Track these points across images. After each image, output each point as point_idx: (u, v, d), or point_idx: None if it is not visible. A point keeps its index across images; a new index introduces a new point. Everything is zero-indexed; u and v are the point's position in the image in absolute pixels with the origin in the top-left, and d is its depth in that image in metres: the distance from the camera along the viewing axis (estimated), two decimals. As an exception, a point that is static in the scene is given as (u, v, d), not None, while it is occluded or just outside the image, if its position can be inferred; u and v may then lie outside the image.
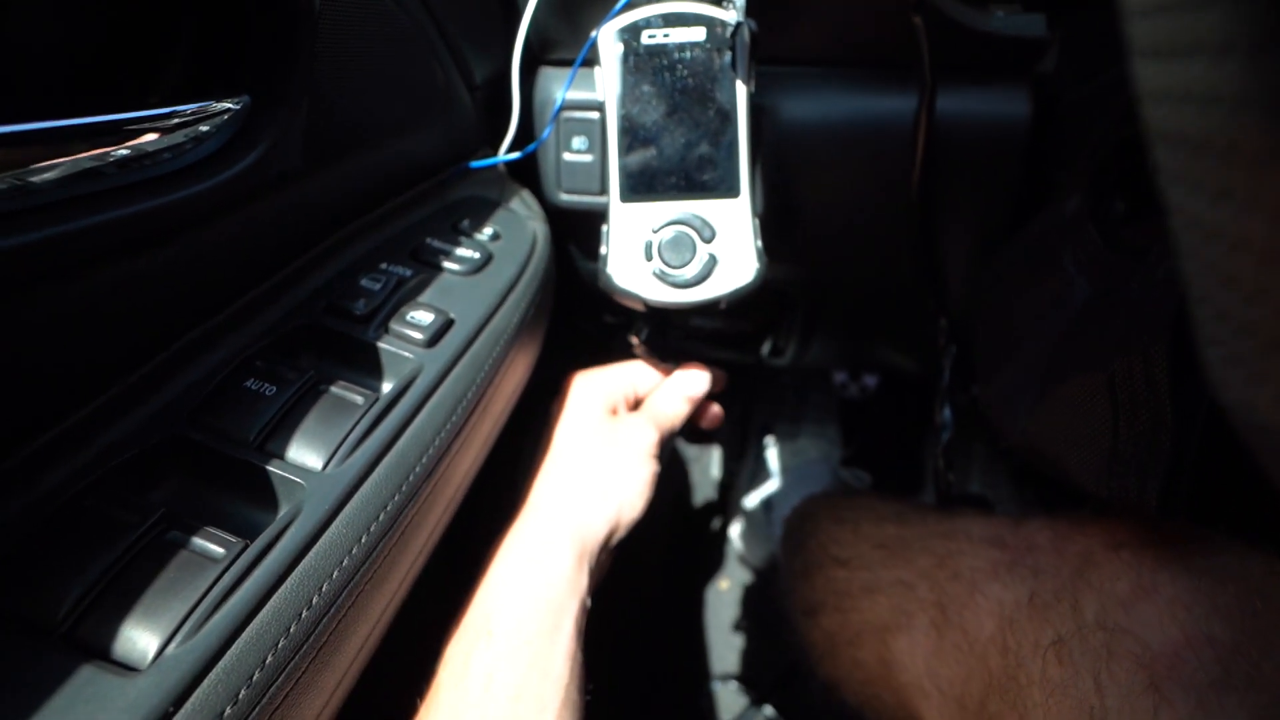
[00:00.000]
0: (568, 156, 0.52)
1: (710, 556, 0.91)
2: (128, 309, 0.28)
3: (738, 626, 0.86)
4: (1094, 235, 0.39)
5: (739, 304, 0.44)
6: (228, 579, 0.25)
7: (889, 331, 0.69)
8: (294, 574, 0.26)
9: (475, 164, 0.49)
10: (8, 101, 0.26)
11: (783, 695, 0.80)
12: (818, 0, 0.45)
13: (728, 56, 0.42)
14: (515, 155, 0.49)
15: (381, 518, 0.30)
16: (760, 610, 0.87)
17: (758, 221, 0.44)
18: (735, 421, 0.95)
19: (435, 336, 0.36)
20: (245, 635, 0.24)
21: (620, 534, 0.44)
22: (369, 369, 0.34)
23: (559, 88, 0.51)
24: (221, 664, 0.23)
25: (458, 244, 0.42)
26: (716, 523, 0.94)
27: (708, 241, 0.43)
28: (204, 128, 0.29)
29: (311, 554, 0.27)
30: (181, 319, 0.31)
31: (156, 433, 0.29)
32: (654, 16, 0.43)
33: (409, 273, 0.39)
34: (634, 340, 0.52)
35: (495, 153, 0.50)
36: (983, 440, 0.79)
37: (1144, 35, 0.14)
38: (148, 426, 0.29)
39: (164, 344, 0.31)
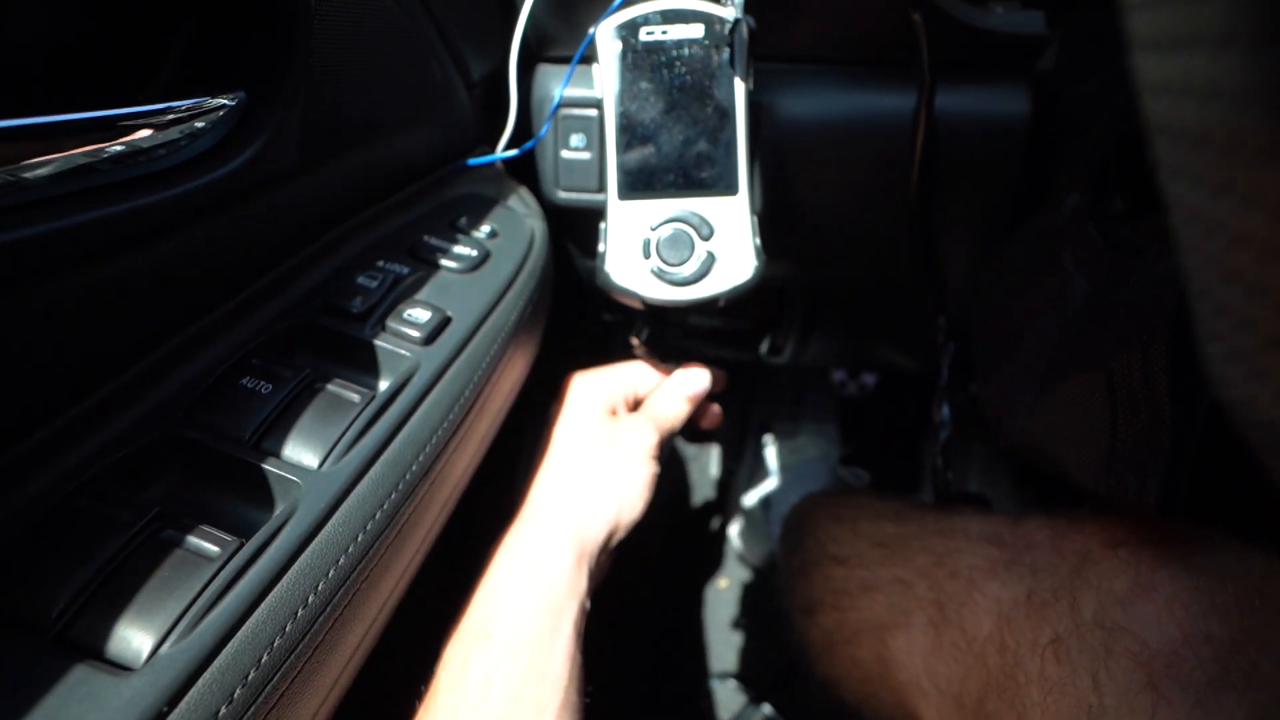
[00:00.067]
0: (565, 154, 0.52)
1: (709, 555, 0.92)
2: (122, 306, 0.28)
3: (736, 625, 0.86)
4: (1093, 233, 0.38)
5: (737, 302, 0.44)
6: (223, 578, 0.25)
7: (888, 330, 0.69)
8: (289, 573, 0.26)
9: (473, 161, 0.48)
10: (0, 96, 0.26)
11: (781, 693, 0.80)
12: (816, -3, 0.45)
13: (726, 53, 0.42)
14: (513, 153, 0.49)
15: (378, 516, 0.30)
16: (759, 609, 0.87)
17: (756, 219, 0.44)
18: (734, 420, 0.95)
19: (432, 334, 0.36)
20: (240, 634, 0.24)
21: (620, 535, 0.44)
22: (365, 367, 0.34)
23: (557, 85, 0.51)
24: (216, 663, 0.23)
25: (455, 242, 0.42)
26: (715, 521, 0.94)
27: (706, 239, 0.43)
28: (199, 124, 0.29)
29: (307, 553, 0.27)
30: (176, 316, 0.31)
31: (151, 431, 0.28)
32: (652, 13, 0.42)
33: (406, 270, 0.39)
34: (634, 340, 0.52)
35: (493, 150, 0.50)
36: (981, 439, 0.78)
37: (1144, 28, 0.14)
38: (142, 424, 0.29)
39: (159, 341, 0.31)
